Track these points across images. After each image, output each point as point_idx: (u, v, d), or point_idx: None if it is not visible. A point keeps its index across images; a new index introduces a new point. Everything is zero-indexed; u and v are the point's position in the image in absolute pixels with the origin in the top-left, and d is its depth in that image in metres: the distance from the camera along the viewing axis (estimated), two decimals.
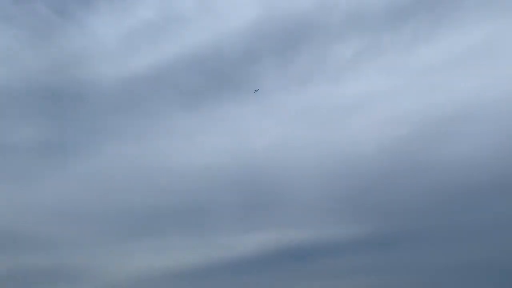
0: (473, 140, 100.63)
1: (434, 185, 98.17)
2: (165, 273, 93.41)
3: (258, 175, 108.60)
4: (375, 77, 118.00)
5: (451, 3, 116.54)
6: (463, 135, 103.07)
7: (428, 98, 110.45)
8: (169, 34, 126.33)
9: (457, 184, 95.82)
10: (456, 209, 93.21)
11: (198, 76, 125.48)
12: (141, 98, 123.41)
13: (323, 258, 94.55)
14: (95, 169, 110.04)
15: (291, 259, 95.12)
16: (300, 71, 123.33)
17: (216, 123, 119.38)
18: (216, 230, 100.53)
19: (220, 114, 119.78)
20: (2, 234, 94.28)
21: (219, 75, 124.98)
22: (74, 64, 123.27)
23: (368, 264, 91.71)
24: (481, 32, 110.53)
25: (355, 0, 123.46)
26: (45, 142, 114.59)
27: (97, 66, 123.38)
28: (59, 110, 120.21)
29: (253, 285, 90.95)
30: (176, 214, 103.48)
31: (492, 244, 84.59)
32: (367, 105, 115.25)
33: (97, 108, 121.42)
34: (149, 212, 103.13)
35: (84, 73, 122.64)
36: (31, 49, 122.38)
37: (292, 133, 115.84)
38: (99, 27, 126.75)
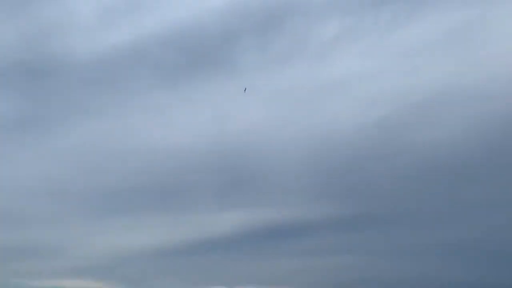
0: (452, 123, 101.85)
1: (413, 167, 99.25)
2: (141, 252, 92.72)
3: (236, 154, 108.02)
4: (355, 58, 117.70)
5: None
6: (442, 117, 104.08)
7: (408, 80, 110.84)
8: (148, 10, 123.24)
9: (436, 166, 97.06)
10: (434, 191, 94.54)
11: (176, 53, 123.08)
12: (117, 75, 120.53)
13: (300, 237, 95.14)
14: (69, 146, 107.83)
15: (268, 238, 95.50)
16: (280, 51, 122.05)
17: (193, 102, 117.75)
18: (193, 208, 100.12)
19: (198, 93, 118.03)
20: None
21: (198, 53, 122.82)
22: (48, 38, 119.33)
23: (346, 244, 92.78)
24: (462, 16, 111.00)
25: None
26: (18, 118, 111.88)
27: (71, 41, 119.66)
28: (33, 86, 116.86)
29: (230, 263, 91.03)
30: (153, 192, 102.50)
31: (468, 225, 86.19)
32: (347, 86, 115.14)
33: (71, 84, 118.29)
34: (125, 190, 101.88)
35: (58, 47, 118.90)
36: (3, 22, 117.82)
37: (271, 113, 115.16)
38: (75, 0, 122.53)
